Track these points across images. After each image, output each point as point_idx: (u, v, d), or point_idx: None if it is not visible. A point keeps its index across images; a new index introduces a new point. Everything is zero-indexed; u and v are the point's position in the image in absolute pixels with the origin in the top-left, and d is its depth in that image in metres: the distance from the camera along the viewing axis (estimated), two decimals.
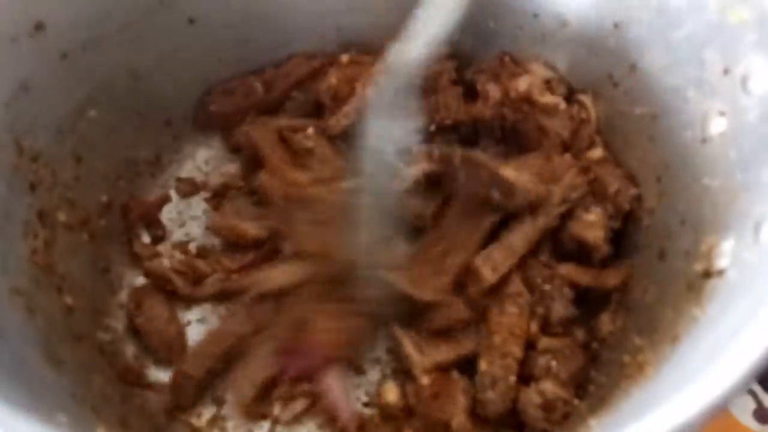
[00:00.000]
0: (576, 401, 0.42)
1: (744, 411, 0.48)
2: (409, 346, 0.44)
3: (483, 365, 0.44)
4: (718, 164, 0.38)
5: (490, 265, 0.45)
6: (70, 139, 0.45)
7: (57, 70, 0.44)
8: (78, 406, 0.35)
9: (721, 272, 0.34)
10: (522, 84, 0.50)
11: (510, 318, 0.44)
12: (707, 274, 0.35)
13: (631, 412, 0.31)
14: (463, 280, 0.46)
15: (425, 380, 0.43)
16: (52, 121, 0.45)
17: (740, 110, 0.37)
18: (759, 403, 0.48)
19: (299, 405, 0.45)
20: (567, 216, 0.47)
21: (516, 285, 0.45)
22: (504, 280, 0.45)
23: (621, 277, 0.46)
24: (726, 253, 0.35)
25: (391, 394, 0.44)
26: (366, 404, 0.46)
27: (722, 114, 0.38)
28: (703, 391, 0.26)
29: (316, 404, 0.45)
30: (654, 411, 0.26)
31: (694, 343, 0.32)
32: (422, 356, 0.44)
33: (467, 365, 0.45)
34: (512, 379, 0.43)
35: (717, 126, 0.39)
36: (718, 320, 0.32)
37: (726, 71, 0.38)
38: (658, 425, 0.25)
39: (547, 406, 0.42)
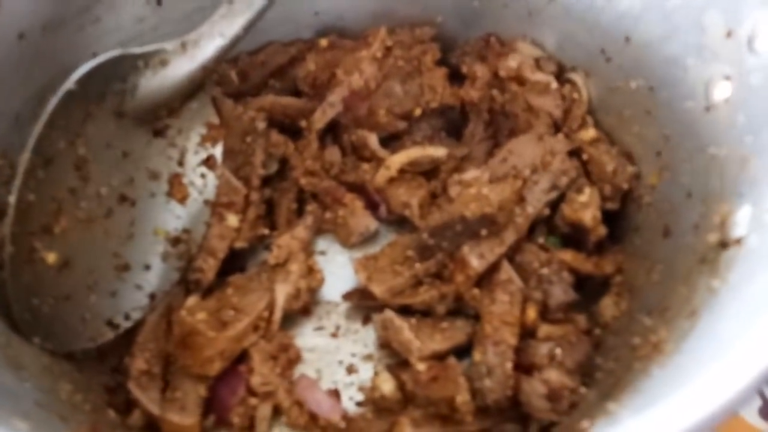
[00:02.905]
0: (583, 390, 0.40)
1: (750, 409, 0.46)
2: (407, 331, 0.41)
3: (476, 356, 0.41)
4: (724, 131, 0.37)
5: (477, 253, 0.43)
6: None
7: (14, 51, 0.41)
8: (43, 414, 0.31)
9: (738, 240, 0.33)
10: (512, 62, 0.48)
11: (501, 306, 0.42)
12: (723, 245, 0.33)
13: (657, 391, 0.28)
14: (450, 270, 0.44)
15: (422, 366, 0.40)
16: (10, 108, 0.41)
17: (746, 72, 0.36)
18: (765, 400, 0.46)
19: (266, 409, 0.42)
20: (559, 199, 0.45)
21: (506, 272, 0.43)
22: (493, 268, 0.43)
23: (618, 263, 0.45)
24: (742, 220, 0.33)
25: (387, 384, 0.41)
26: (360, 403, 0.43)
27: (727, 78, 0.37)
28: (743, 359, 0.24)
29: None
30: (687, 385, 0.24)
31: (717, 313, 0.30)
32: (420, 342, 0.41)
33: (463, 356, 0.43)
34: (508, 365, 0.40)
35: (722, 92, 0.37)
36: (742, 288, 0.30)
37: (729, 34, 0.37)
38: (697, 399, 0.23)
39: (553, 396, 0.40)
